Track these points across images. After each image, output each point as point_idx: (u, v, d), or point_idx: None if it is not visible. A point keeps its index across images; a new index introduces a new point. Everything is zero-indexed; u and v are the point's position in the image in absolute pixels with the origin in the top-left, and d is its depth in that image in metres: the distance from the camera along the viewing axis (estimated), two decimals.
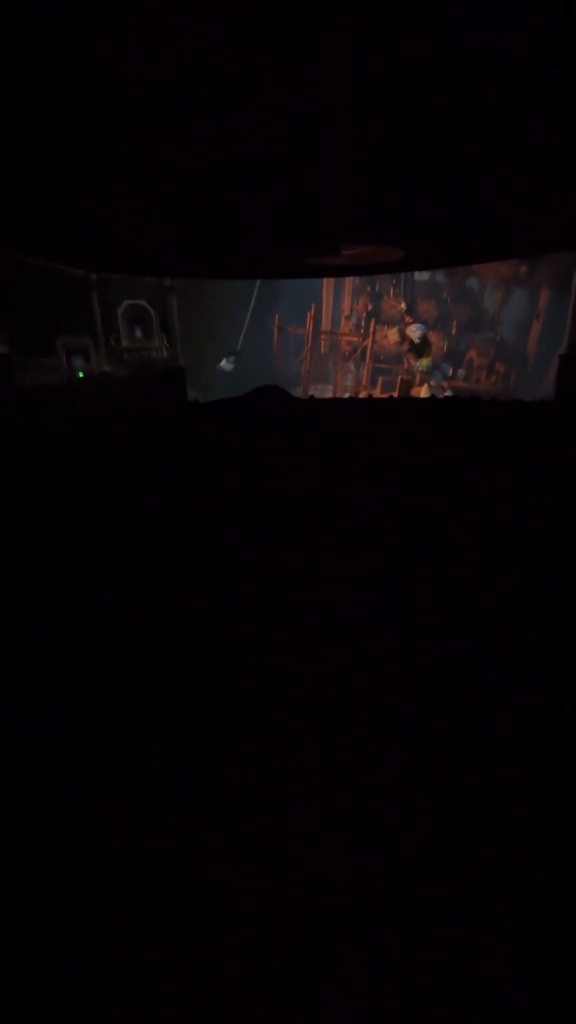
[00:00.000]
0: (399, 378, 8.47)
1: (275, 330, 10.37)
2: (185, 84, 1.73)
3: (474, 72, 1.59)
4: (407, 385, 8.08)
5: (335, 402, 4.70)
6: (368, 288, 11.11)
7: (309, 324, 10.04)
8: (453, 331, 10.85)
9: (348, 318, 10.93)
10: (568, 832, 0.89)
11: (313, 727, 1.11)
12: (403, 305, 10.49)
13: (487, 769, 1.01)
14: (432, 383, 8.12)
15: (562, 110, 1.90)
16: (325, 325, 10.89)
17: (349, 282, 10.91)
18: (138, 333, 6.32)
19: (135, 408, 5.64)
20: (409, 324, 8.47)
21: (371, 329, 9.77)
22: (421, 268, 8.60)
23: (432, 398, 3.98)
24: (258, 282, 9.67)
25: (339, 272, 6.84)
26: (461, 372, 10.35)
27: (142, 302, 6.26)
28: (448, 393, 9.02)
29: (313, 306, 10.14)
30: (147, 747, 1.09)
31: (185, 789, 0.99)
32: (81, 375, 5.71)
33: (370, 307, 10.96)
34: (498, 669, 1.24)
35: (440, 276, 10.66)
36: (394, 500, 2.15)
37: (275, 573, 1.68)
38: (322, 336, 10.68)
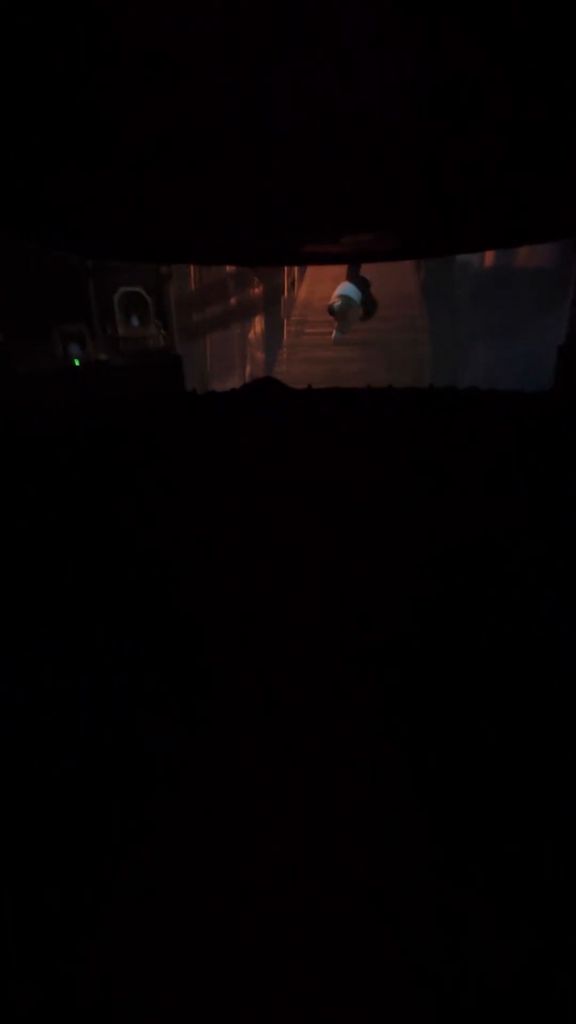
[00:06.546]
0: None
1: None
2: (185, 69, 1.69)
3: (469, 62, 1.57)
4: None
5: (331, 392, 4.67)
6: None
7: None
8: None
9: None
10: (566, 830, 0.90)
11: (310, 724, 1.12)
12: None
13: (484, 764, 1.03)
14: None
15: (555, 99, 1.88)
16: None
17: None
18: (134, 320, 6.21)
19: (132, 396, 5.60)
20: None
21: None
22: (420, 256, 8.49)
23: (431, 388, 3.96)
24: None
25: (337, 260, 6.75)
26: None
27: (138, 289, 6.15)
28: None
29: None
30: (144, 743, 1.10)
31: (181, 783, 1.00)
32: (77, 363, 5.64)
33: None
34: (496, 667, 1.25)
35: None
36: (393, 491, 2.16)
37: (276, 566, 1.68)
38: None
